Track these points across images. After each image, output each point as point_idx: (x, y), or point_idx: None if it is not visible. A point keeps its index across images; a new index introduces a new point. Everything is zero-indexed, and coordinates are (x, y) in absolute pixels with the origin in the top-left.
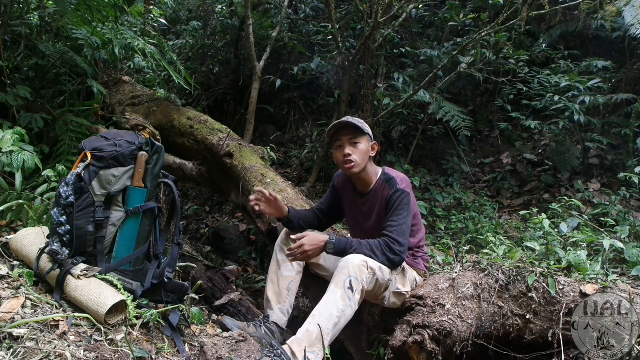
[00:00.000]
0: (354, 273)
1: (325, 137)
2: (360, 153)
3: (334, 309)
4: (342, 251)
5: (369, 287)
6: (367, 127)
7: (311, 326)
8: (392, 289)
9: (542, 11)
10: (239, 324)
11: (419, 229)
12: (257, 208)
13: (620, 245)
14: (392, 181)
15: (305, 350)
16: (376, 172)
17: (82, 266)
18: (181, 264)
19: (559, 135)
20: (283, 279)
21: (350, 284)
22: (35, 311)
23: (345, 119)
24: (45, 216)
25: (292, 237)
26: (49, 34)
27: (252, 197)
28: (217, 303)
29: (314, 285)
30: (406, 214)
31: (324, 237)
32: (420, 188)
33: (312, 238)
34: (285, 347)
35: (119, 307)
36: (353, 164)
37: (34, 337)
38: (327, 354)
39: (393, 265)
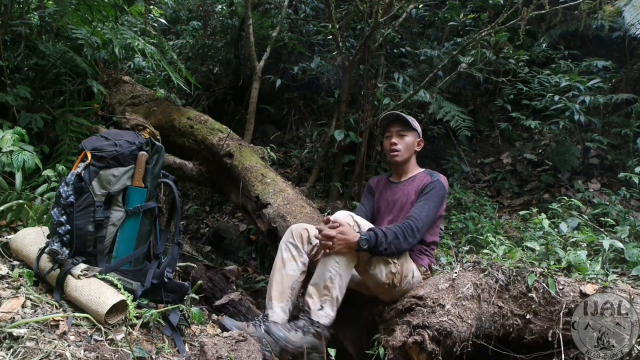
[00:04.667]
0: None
1: (326, 137)
2: (405, 145)
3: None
4: (372, 248)
5: None
6: (416, 124)
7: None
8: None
9: (542, 11)
10: (238, 324)
11: (435, 232)
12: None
13: (620, 245)
14: (434, 174)
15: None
16: (417, 167)
17: (82, 266)
18: (181, 264)
19: (559, 135)
20: (287, 278)
21: None
22: (35, 311)
23: (396, 112)
24: (45, 216)
25: (331, 217)
26: (49, 34)
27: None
28: (217, 303)
29: None
30: (435, 204)
31: (356, 234)
32: None
33: (347, 232)
34: None
35: (119, 307)
36: (398, 153)
37: (34, 337)
38: (329, 355)
39: (410, 246)
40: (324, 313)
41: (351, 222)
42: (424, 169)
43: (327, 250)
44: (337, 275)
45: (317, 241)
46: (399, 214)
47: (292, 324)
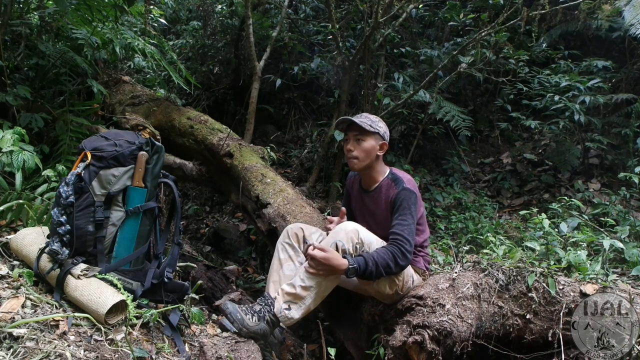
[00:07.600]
0: (342, 238)
1: (326, 137)
2: (362, 151)
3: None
4: (360, 276)
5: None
6: (377, 127)
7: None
8: None
9: (542, 11)
10: (241, 314)
11: (423, 229)
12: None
13: (620, 245)
14: (399, 180)
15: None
16: (383, 171)
17: (82, 266)
18: (181, 264)
19: (559, 135)
20: (285, 278)
21: (336, 247)
22: (35, 311)
23: (357, 117)
24: (45, 216)
25: (316, 246)
26: (49, 34)
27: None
28: (217, 303)
29: None
30: (412, 214)
31: (343, 262)
32: (420, 188)
33: (331, 259)
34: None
35: (119, 306)
36: (354, 160)
37: (34, 337)
38: (329, 355)
39: (402, 269)
40: (288, 314)
41: (356, 239)
42: (388, 172)
43: (311, 271)
44: (318, 286)
45: (314, 240)
46: (375, 225)
47: (248, 307)
